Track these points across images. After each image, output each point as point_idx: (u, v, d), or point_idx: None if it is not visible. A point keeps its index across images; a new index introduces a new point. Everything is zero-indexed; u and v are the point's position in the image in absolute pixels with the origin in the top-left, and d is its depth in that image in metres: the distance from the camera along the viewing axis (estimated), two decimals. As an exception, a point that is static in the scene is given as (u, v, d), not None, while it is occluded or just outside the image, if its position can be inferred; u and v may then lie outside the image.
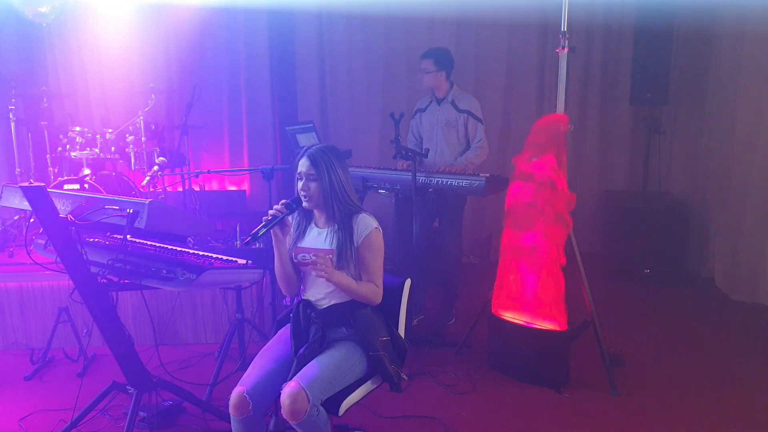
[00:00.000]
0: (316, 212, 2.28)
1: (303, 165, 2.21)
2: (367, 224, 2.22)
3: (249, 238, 2.13)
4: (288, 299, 2.47)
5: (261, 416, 2.15)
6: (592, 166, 5.55)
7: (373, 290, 2.23)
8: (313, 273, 2.16)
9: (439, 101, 3.85)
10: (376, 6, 5.31)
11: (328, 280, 2.11)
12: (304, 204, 2.23)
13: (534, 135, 3.21)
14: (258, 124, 5.69)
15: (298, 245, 2.29)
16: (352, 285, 2.19)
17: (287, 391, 2.03)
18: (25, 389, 3.25)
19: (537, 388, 3.15)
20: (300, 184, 2.22)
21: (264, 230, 2.15)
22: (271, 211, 2.19)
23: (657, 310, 4.28)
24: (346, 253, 2.19)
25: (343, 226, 2.21)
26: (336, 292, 2.24)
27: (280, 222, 2.19)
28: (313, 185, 2.19)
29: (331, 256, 2.17)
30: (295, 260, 2.29)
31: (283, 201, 2.21)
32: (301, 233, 2.30)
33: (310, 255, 2.24)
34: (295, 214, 2.30)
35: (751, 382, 3.23)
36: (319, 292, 2.27)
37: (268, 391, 2.13)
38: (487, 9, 5.38)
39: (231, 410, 2.11)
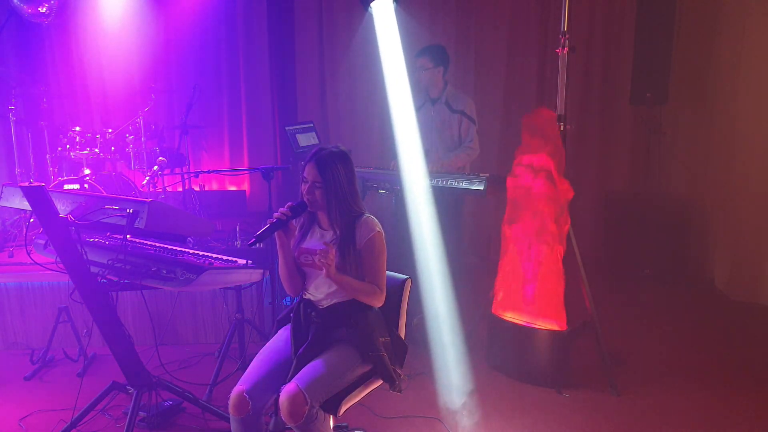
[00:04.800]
0: (320, 213, 2.28)
1: (309, 171, 2.18)
2: (369, 228, 2.21)
3: (253, 239, 2.12)
4: (288, 299, 2.47)
5: (260, 416, 2.15)
6: (592, 166, 5.54)
7: (373, 290, 2.22)
8: (316, 259, 2.14)
9: (433, 101, 3.84)
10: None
11: (327, 274, 2.10)
12: (309, 207, 2.22)
13: (528, 135, 3.21)
14: (258, 124, 5.69)
15: (301, 246, 2.28)
16: (350, 281, 2.17)
17: (286, 393, 2.02)
18: (25, 389, 3.24)
19: (537, 388, 3.15)
20: (304, 187, 2.21)
21: (268, 233, 2.15)
22: (276, 214, 2.18)
23: (657, 310, 4.28)
24: (348, 256, 2.18)
25: (346, 229, 2.20)
26: (338, 293, 2.23)
27: (284, 225, 2.19)
28: (317, 192, 2.18)
29: (332, 248, 2.13)
30: (297, 261, 2.29)
31: (289, 204, 2.21)
32: (304, 234, 2.30)
33: (312, 256, 2.24)
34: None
35: (750, 382, 3.23)
36: (321, 292, 2.27)
37: (267, 391, 2.13)
38: (488, 8, 5.39)
39: (230, 410, 2.11)
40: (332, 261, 2.09)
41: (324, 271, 2.09)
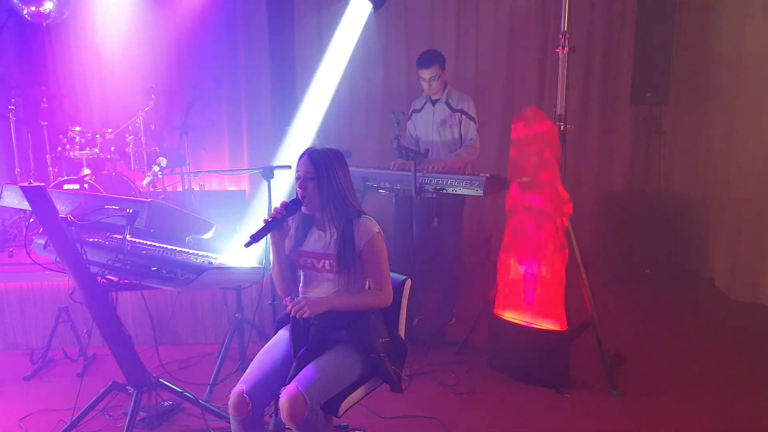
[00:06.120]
0: (316, 214, 2.27)
1: (302, 164, 2.19)
2: (367, 229, 2.20)
3: (249, 241, 2.12)
4: (288, 299, 2.46)
5: (260, 416, 2.14)
6: (593, 166, 5.55)
7: (374, 296, 2.22)
8: (292, 311, 2.14)
9: (434, 102, 3.85)
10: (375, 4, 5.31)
11: (312, 313, 2.09)
12: (303, 209, 2.21)
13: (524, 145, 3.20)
14: (258, 123, 5.69)
15: (301, 248, 2.28)
16: (345, 301, 2.18)
17: (286, 395, 2.02)
18: (25, 389, 3.25)
19: (537, 388, 3.15)
20: (298, 182, 2.21)
21: (263, 233, 2.14)
22: (270, 213, 2.18)
23: (657, 310, 4.28)
24: (347, 258, 2.18)
25: (344, 230, 2.19)
26: (336, 294, 2.23)
27: (279, 224, 2.18)
28: (310, 185, 2.17)
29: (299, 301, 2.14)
30: (297, 263, 2.28)
31: (283, 202, 2.20)
32: (302, 236, 2.29)
33: (312, 260, 2.24)
34: (295, 216, 2.28)
35: (750, 382, 3.23)
36: (320, 294, 2.26)
37: (267, 391, 2.13)
38: (488, 8, 5.39)
39: (230, 410, 2.11)
40: (305, 306, 2.08)
41: (325, 276, 2.09)
